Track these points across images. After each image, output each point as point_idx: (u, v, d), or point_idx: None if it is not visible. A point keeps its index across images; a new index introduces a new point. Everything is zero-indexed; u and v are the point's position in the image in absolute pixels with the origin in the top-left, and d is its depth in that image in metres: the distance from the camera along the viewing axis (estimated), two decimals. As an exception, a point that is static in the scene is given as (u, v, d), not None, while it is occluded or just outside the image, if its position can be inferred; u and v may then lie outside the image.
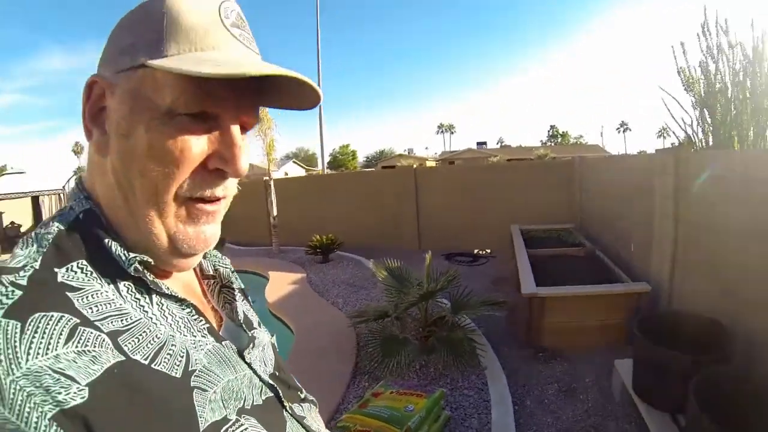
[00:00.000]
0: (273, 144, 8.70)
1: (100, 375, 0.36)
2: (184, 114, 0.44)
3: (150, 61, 0.43)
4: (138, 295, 0.45)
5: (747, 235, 2.44)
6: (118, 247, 0.45)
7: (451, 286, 3.73)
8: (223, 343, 0.52)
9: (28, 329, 0.35)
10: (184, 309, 0.50)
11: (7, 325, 0.35)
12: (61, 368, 0.35)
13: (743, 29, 3.03)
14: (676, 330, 2.56)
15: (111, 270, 0.45)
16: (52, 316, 0.37)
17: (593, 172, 6.19)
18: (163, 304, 0.47)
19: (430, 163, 34.42)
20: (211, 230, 0.51)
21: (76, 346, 0.37)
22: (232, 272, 0.68)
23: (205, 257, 0.64)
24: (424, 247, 6.06)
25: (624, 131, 71.41)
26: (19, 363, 0.34)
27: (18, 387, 0.33)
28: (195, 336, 0.48)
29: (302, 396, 0.68)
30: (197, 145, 0.45)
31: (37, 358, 0.34)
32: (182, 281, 0.56)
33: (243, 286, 0.70)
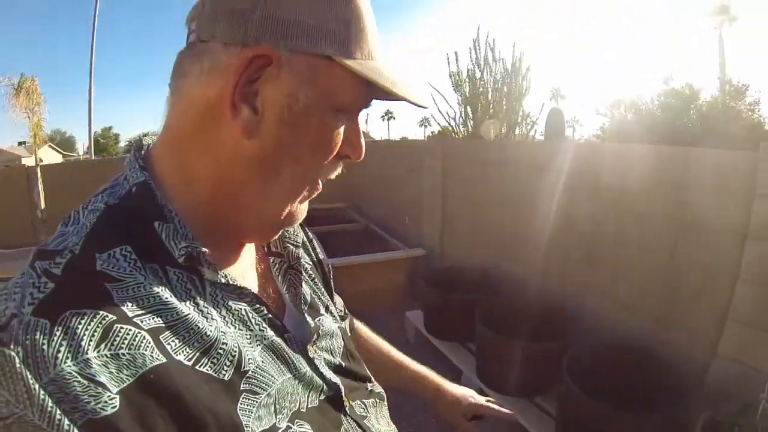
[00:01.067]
0: (40, 124, 6.18)
1: (133, 381, 0.33)
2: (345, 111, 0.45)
3: (345, 60, 0.41)
4: (189, 285, 0.41)
5: (499, 204, 3.20)
6: (170, 232, 0.41)
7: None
8: (285, 336, 0.48)
9: (57, 330, 0.32)
10: (243, 298, 0.45)
11: (36, 325, 0.31)
12: (91, 374, 0.31)
13: (506, 48, 4.00)
14: (455, 280, 3.13)
15: (160, 257, 0.40)
16: (85, 313, 0.33)
17: (365, 155, 6.80)
18: (217, 295, 0.43)
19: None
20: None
21: (110, 349, 0.33)
22: (309, 240, 0.68)
23: None
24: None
25: (388, 119, 77.31)
26: (47, 368, 0.30)
27: (47, 392, 0.30)
28: (252, 330, 0.44)
29: (369, 389, 0.62)
30: (342, 137, 0.46)
31: (65, 363, 0.31)
32: (249, 261, 0.53)
33: (321, 256, 0.69)
